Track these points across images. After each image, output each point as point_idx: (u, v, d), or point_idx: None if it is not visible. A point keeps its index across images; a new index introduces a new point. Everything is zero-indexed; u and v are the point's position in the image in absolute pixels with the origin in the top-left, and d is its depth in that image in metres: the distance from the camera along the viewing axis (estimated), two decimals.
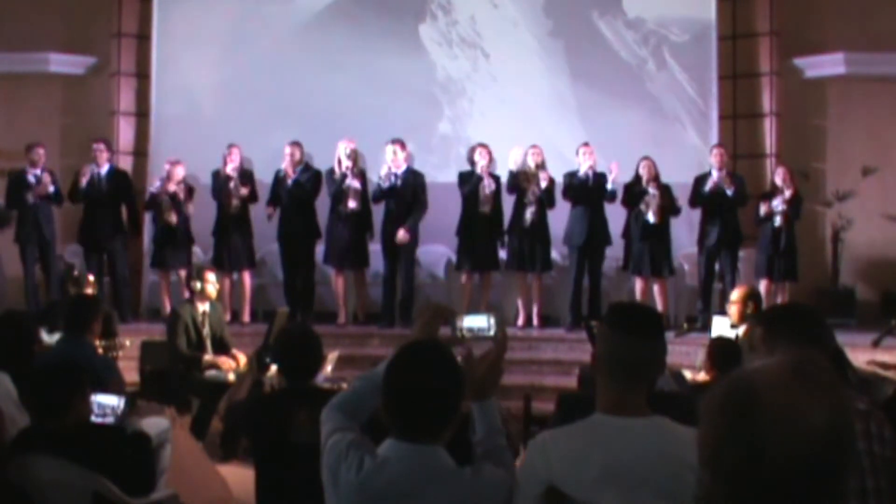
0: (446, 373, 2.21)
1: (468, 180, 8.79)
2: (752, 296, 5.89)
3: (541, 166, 8.71)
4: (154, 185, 8.99)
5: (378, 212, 8.97)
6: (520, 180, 8.69)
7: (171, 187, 8.85)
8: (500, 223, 8.86)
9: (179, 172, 8.99)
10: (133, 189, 9.36)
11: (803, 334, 2.41)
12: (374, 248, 9.06)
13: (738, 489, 1.25)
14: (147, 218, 9.49)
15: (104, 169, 9.06)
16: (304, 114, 9.79)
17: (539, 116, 9.87)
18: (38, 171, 8.80)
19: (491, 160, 8.84)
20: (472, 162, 8.88)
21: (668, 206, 8.70)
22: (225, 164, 8.97)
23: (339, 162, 8.84)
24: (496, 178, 8.86)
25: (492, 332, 2.57)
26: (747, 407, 1.26)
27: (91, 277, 7.57)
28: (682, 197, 8.88)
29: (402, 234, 8.65)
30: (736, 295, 5.88)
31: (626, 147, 9.11)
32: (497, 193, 8.80)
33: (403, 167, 8.82)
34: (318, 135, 9.41)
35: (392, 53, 9.94)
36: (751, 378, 1.29)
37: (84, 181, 8.84)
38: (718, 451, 1.27)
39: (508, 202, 8.89)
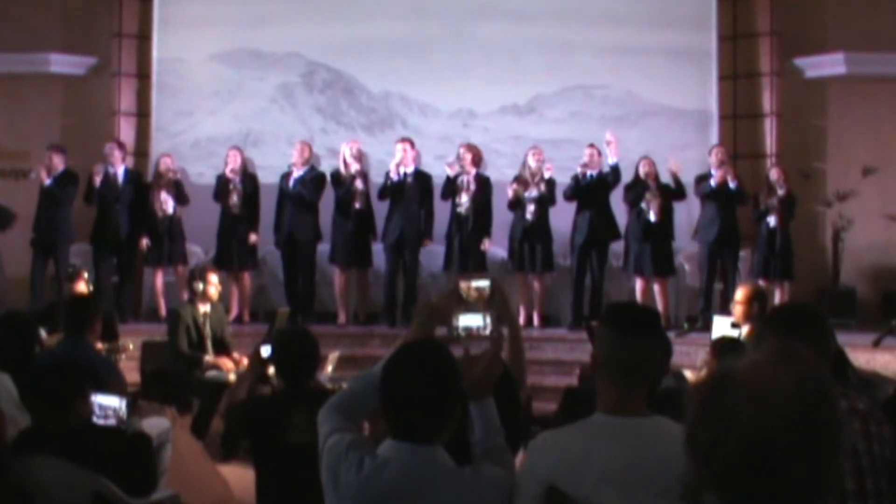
0: (444, 373, 2.21)
1: (450, 181, 8.79)
2: (756, 296, 5.77)
3: (542, 164, 8.72)
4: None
5: (380, 210, 8.97)
6: (520, 186, 8.68)
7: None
8: (485, 223, 8.79)
9: (167, 163, 9.04)
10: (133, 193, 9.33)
11: (800, 333, 2.41)
12: (375, 247, 9.07)
13: (713, 469, 1.25)
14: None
15: (120, 169, 9.06)
16: (304, 115, 9.81)
17: (542, 119, 9.87)
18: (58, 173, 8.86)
19: (475, 161, 8.80)
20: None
21: (669, 204, 8.71)
22: (225, 166, 8.98)
23: (345, 163, 8.84)
24: (485, 180, 8.84)
25: (488, 331, 2.59)
26: (722, 387, 1.27)
27: (86, 274, 7.56)
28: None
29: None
30: (740, 295, 5.76)
31: (628, 147, 9.11)
32: (484, 194, 8.75)
33: (412, 167, 8.83)
34: (318, 136, 9.47)
35: (403, 60, 9.92)
36: (730, 364, 1.31)
37: (98, 180, 8.84)
38: (694, 431, 1.28)
39: (501, 203, 8.85)
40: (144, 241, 8.98)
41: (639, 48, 9.77)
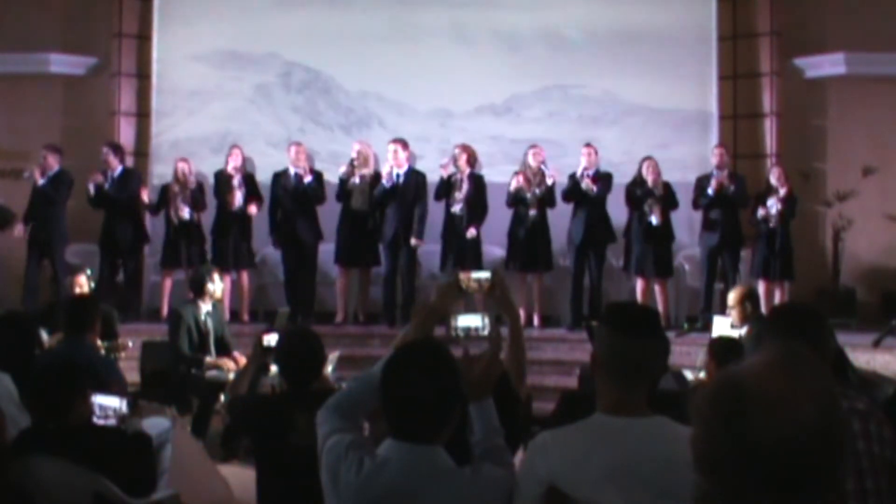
0: (444, 373, 2.21)
1: (444, 182, 8.80)
2: (747, 296, 5.86)
3: (543, 165, 8.72)
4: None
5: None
6: (524, 184, 8.69)
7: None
8: (479, 222, 8.76)
9: (184, 168, 9.03)
10: (137, 189, 9.31)
11: (801, 333, 2.41)
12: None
13: (735, 486, 1.23)
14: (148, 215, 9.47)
15: (116, 171, 9.03)
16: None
17: (539, 121, 9.88)
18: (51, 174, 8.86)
19: (471, 161, 8.80)
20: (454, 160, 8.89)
21: (670, 205, 8.72)
22: (227, 164, 8.97)
23: (352, 163, 8.85)
24: (478, 179, 8.83)
25: (486, 332, 2.59)
26: (737, 402, 1.24)
27: (88, 271, 7.56)
28: (681, 195, 8.87)
29: (414, 242, 8.73)
30: (733, 298, 5.85)
31: (627, 147, 9.11)
32: (479, 193, 8.75)
33: (405, 167, 8.83)
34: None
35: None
36: (738, 374, 1.28)
37: (90, 188, 8.85)
38: (712, 449, 1.26)
39: (494, 202, 8.84)
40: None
41: (637, 47, 9.77)
